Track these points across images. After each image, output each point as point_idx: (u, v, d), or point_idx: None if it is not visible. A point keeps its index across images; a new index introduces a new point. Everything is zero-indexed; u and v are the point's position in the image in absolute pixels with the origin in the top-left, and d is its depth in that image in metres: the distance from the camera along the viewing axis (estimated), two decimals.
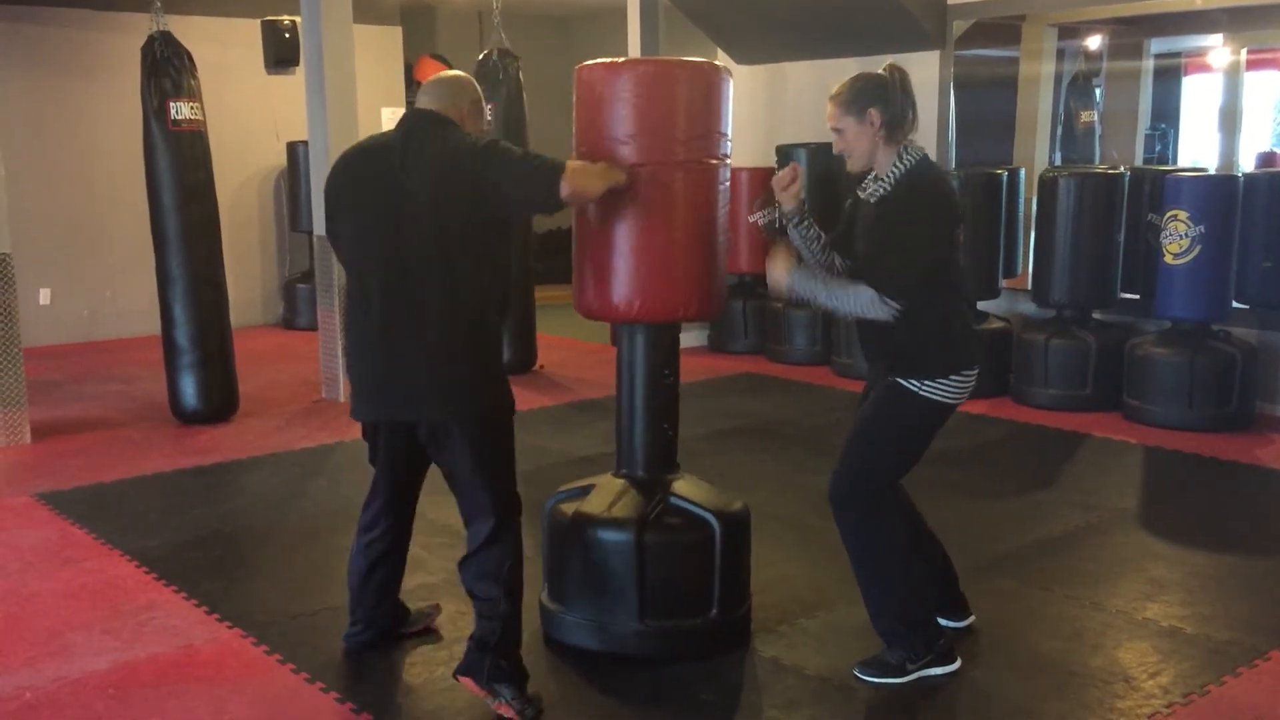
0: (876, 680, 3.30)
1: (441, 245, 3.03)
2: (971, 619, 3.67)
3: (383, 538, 3.46)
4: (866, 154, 3.24)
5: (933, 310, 3.20)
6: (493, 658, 3.12)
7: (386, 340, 3.10)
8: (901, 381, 3.23)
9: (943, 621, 3.50)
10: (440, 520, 4.39)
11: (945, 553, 3.62)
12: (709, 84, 3.37)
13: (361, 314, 3.14)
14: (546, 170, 3.05)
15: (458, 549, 3.35)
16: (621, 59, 3.40)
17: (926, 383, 3.20)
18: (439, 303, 3.05)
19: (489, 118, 3.18)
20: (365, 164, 3.19)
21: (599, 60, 3.39)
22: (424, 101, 3.22)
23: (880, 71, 3.25)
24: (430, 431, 3.17)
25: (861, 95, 3.21)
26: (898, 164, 3.20)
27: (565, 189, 3.04)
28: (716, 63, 3.47)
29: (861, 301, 3.15)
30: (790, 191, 3.33)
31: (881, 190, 3.23)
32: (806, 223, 3.36)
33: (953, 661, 3.34)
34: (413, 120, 3.19)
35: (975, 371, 3.28)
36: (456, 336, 3.08)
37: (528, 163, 3.08)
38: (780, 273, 3.28)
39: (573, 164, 3.12)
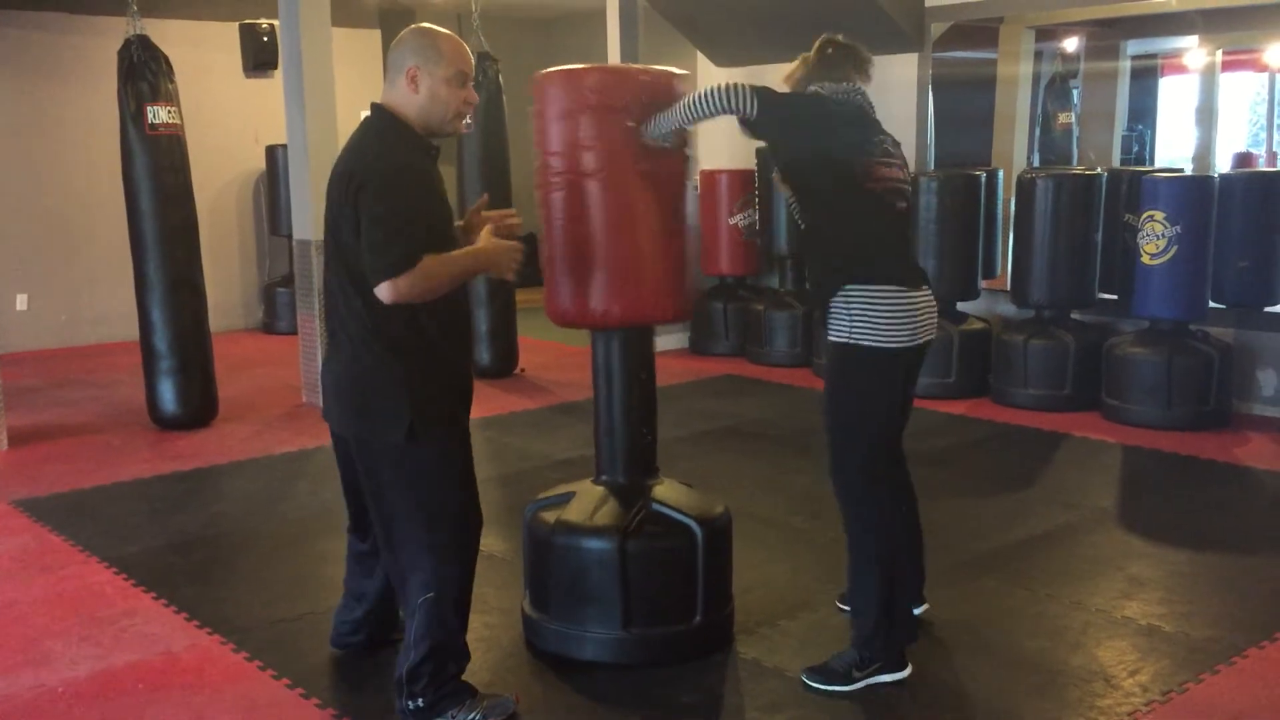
0: (824, 687, 3.28)
1: (337, 259, 2.95)
2: (926, 606, 3.69)
3: (360, 543, 3.43)
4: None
5: (825, 237, 3.31)
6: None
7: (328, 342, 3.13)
8: (833, 338, 3.28)
9: None
10: None
11: (921, 541, 3.66)
12: (667, 89, 3.37)
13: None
14: (387, 257, 2.79)
15: None
16: (579, 66, 3.41)
17: (854, 331, 3.22)
18: (345, 312, 2.96)
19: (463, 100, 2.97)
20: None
21: (556, 68, 3.40)
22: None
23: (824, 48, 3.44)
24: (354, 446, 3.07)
25: (794, 76, 3.47)
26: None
27: (386, 290, 2.80)
28: (674, 69, 3.48)
29: (720, 88, 3.21)
30: None
31: None
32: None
33: (903, 668, 3.32)
34: (362, 123, 3.05)
35: (903, 310, 3.22)
36: (364, 349, 2.94)
37: (381, 240, 2.81)
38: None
39: (426, 265, 2.81)
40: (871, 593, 3.30)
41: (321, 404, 3.23)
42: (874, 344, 3.22)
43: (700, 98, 3.23)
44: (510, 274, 3.08)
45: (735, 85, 3.22)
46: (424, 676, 3.02)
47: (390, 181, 2.85)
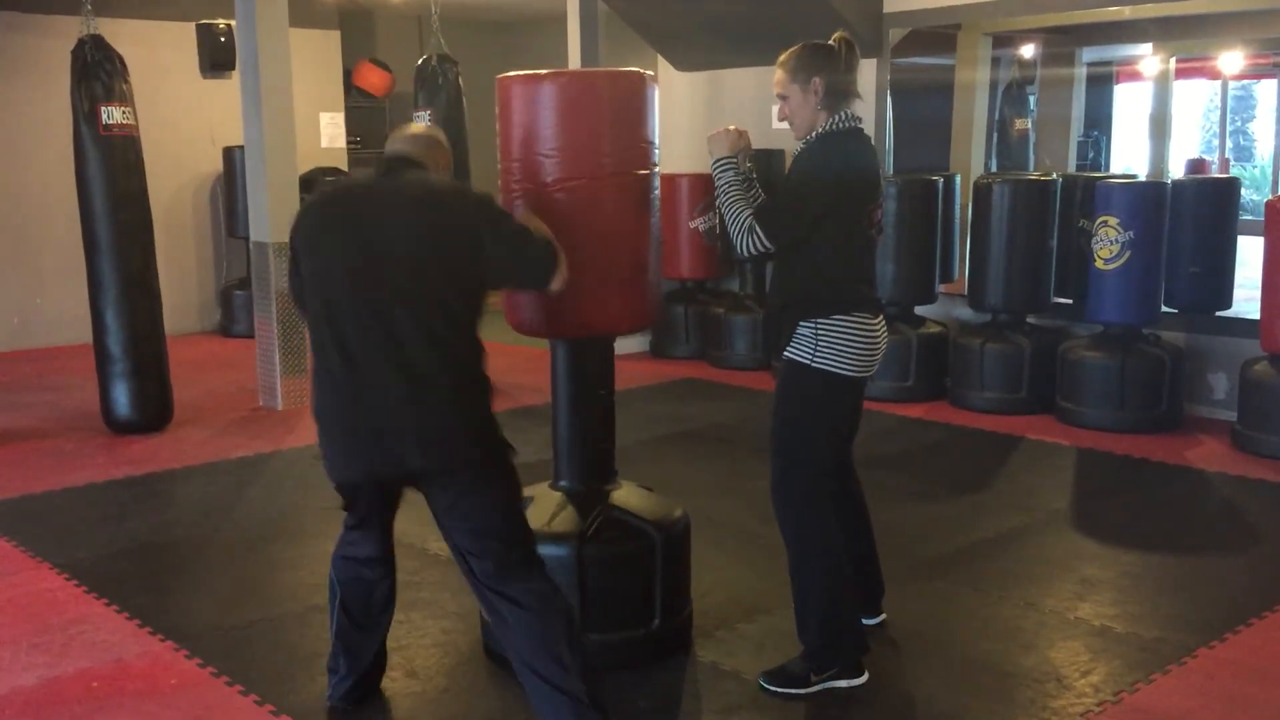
0: (780, 690, 3.29)
1: (428, 288, 2.85)
2: (883, 617, 3.70)
3: (383, 579, 3.20)
4: (807, 123, 3.26)
5: (813, 270, 3.23)
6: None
7: (370, 389, 2.85)
8: (792, 356, 3.25)
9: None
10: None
11: (874, 551, 3.65)
12: (634, 93, 3.35)
13: (337, 366, 2.88)
14: (548, 261, 3.01)
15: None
16: (544, 70, 3.38)
17: (816, 355, 3.20)
18: (426, 348, 2.83)
19: (428, 123, 3.08)
20: (338, 206, 3.03)
21: (520, 72, 3.37)
22: (399, 147, 3.09)
23: (829, 42, 3.28)
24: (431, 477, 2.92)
25: (807, 63, 3.24)
26: (824, 125, 3.24)
27: (557, 282, 3.03)
28: (642, 71, 3.46)
29: (740, 222, 3.20)
30: (731, 142, 3.30)
31: (801, 146, 3.28)
32: (729, 167, 3.29)
33: (860, 675, 3.33)
34: (391, 163, 3.04)
35: (867, 338, 3.24)
36: (448, 383, 2.88)
37: (533, 248, 2.99)
38: (724, 149, 3.28)
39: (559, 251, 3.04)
40: (814, 612, 3.30)
41: (380, 448, 2.89)
42: (835, 370, 3.22)
43: (735, 220, 3.20)
44: None
45: (746, 239, 3.18)
46: None
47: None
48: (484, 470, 2.95)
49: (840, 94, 3.25)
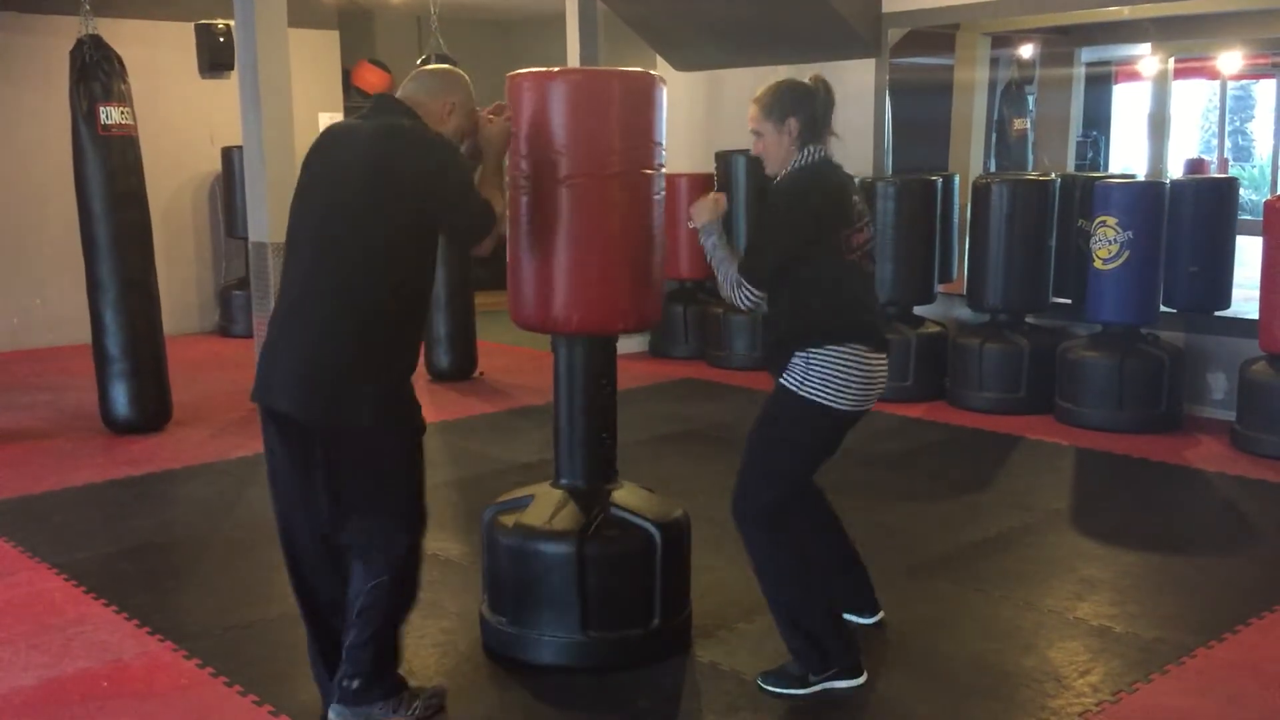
0: (778, 691, 3.29)
1: (354, 227, 2.90)
2: (880, 616, 3.71)
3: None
4: (780, 160, 3.28)
5: (799, 301, 3.22)
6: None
7: (279, 323, 2.97)
8: (784, 383, 3.23)
9: (853, 618, 3.57)
10: None
11: (855, 550, 3.65)
12: (644, 94, 3.36)
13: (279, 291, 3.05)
14: (479, 223, 3.08)
15: None
16: (555, 69, 3.39)
17: (806, 384, 3.17)
18: (330, 293, 2.89)
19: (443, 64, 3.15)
20: (317, 144, 3.10)
21: (531, 70, 3.37)
22: (406, 89, 3.14)
23: (806, 81, 3.29)
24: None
25: (783, 102, 3.24)
26: (795, 163, 3.25)
27: (485, 247, 3.12)
28: (652, 71, 3.47)
29: (729, 278, 3.23)
30: (711, 209, 3.31)
31: (773, 185, 3.29)
32: (712, 233, 3.31)
33: (859, 675, 3.33)
34: (377, 104, 3.12)
35: (861, 372, 3.19)
36: (342, 335, 2.89)
37: (470, 206, 3.05)
38: (704, 213, 3.30)
39: (499, 214, 3.12)
40: (793, 623, 3.30)
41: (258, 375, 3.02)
42: (823, 401, 3.17)
43: (725, 277, 3.25)
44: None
45: (737, 293, 3.21)
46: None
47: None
48: (354, 434, 2.92)
49: (815, 134, 3.25)
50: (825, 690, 3.28)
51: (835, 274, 3.23)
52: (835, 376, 3.16)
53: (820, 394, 3.17)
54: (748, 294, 3.20)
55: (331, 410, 2.89)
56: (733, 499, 3.31)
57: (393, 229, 2.92)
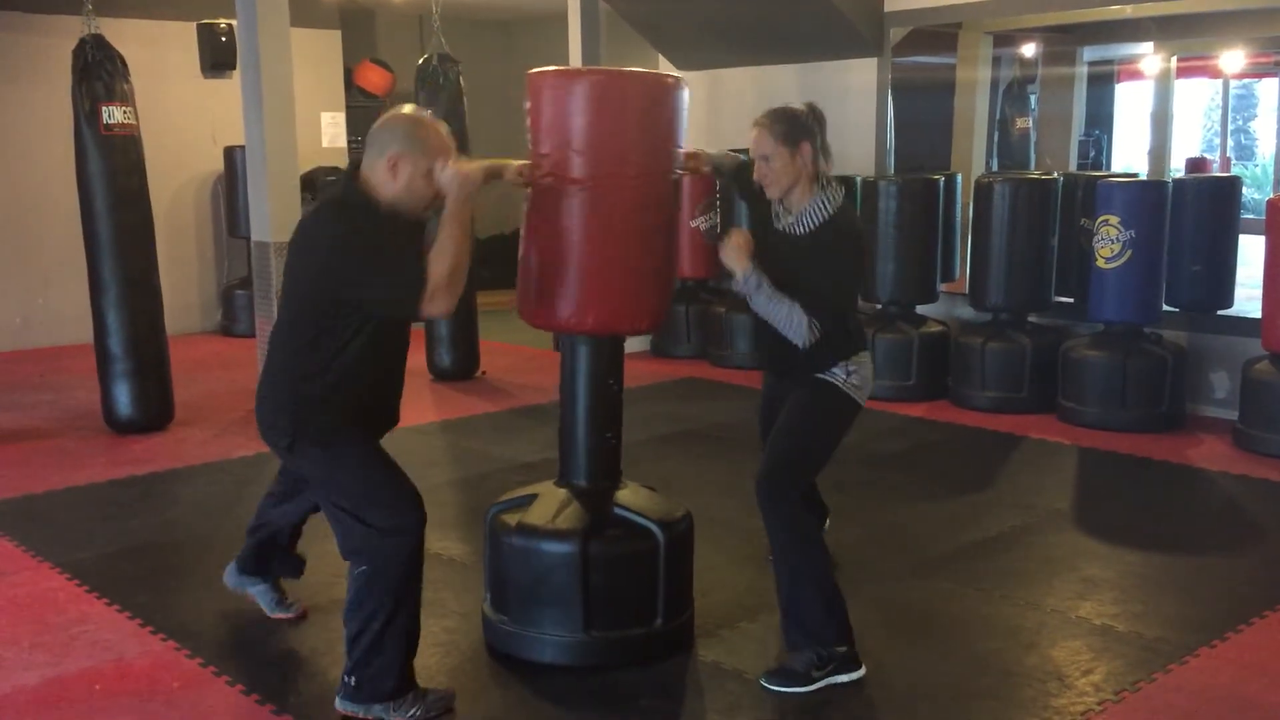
0: (782, 689, 3.30)
1: (285, 297, 3.17)
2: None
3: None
4: (788, 186, 3.36)
5: (840, 317, 3.42)
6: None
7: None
8: (827, 378, 3.42)
9: None
10: None
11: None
12: (665, 97, 3.36)
13: None
14: (400, 297, 2.98)
15: None
16: (579, 68, 3.38)
17: (846, 382, 3.43)
18: (276, 347, 3.18)
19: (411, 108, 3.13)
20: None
21: (554, 68, 3.37)
22: (363, 152, 3.14)
23: (800, 108, 3.37)
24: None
25: (798, 128, 3.32)
26: (826, 201, 3.36)
27: (434, 308, 2.97)
28: (674, 75, 3.46)
29: (794, 323, 3.30)
30: (741, 250, 3.34)
31: (811, 224, 3.35)
32: (757, 281, 3.33)
33: (858, 668, 3.36)
34: (341, 177, 3.23)
35: (869, 372, 3.52)
36: (274, 379, 3.20)
37: (381, 283, 2.98)
38: (740, 260, 3.31)
39: (435, 279, 2.95)
40: (816, 595, 3.35)
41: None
42: (855, 397, 3.47)
43: (788, 322, 3.30)
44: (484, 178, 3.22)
45: (807, 335, 3.30)
46: None
47: None
48: (298, 458, 3.19)
49: (822, 159, 3.38)
50: (827, 687, 3.29)
51: (858, 290, 3.55)
52: (865, 379, 3.48)
53: (855, 392, 3.46)
54: (816, 331, 3.32)
55: (266, 437, 3.24)
56: (764, 482, 3.39)
57: (306, 305, 3.08)
